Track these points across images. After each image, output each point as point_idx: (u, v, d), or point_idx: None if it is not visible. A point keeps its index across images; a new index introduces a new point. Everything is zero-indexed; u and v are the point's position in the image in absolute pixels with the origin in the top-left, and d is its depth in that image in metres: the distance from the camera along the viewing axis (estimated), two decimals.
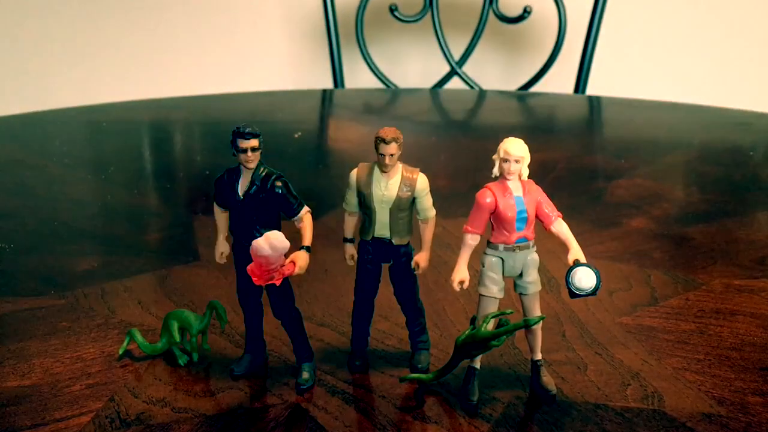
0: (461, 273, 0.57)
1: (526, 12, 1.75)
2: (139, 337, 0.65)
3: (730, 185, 1.10)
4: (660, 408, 0.58)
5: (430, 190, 0.60)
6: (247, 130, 0.57)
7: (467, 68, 1.83)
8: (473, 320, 0.59)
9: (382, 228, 0.60)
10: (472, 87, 1.80)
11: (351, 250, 0.63)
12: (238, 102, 1.55)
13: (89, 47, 1.90)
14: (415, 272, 0.61)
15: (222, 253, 0.63)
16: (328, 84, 1.86)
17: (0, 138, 1.33)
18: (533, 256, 0.58)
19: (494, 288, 0.57)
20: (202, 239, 0.92)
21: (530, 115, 1.63)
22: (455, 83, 1.82)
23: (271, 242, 0.54)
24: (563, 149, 1.26)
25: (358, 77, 1.94)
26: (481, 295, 0.58)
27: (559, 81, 1.79)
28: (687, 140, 1.35)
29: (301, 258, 0.56)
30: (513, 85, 1.89)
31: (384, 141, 0.57)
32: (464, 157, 1.23)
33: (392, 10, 1.79)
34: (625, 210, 1.00)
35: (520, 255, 0.57)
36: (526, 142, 0.56)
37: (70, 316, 0.73)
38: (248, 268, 0.56)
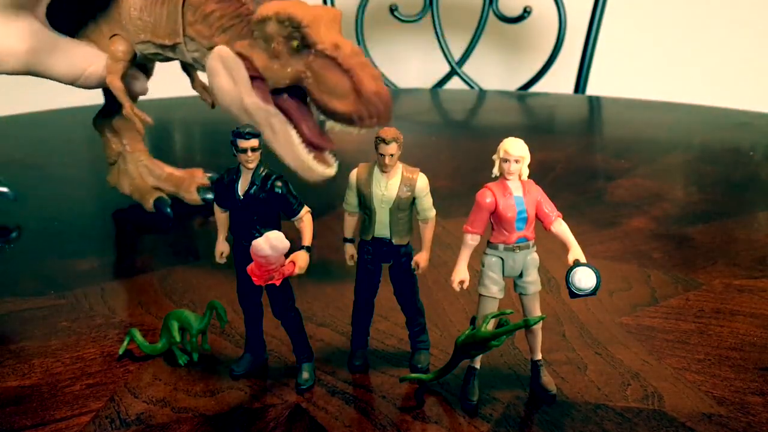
0: (461, 273, 0.57)
1: (526, 12, 1.75)
2: (139, 337, 0.65)
3: (730, 185, 1.11)
4: (660, 408, 0.58)
5: (430, 190, 0.60)
6: (246, 130, 0.57)
7: (467, 68, 1.83)
8: (473, 320, 0.59)
9: (382, 228, 0.60)
10: (472, 87, 1.80)
11: (351, 250, 0.63)
12: None
13: None
14: (415, 272, 0.61)
15: (222, 253, 0.63)
16: None
17: (0, 138, 1.33)
18: (533, 256, 0.58)
19: (494, 288, 0.57)
20: (202, 239, 0.92)
21: (530, 115, 1.63)
22: (455, 83, 1.83)
23: (271, 242, 0.54)
24: (563, 149, 1.27)
25: None
26: (481, 295, 0.58)
27: (559, 81, 1.80)
28: (687, 140, 1.35)
29: (301, 258, 0.56)
30: (513, 85, 1.89)
31: (384, 141, 0.57)
32: (464, 157, 1.23)
33: (392, 10, 1.79)
34: (625, 210, 1.00)
35: (520, 255, 0.57)
36: (526, 142, 0.56)
37: (70, 316, 0.73)
38: (248, 268, 0.56)
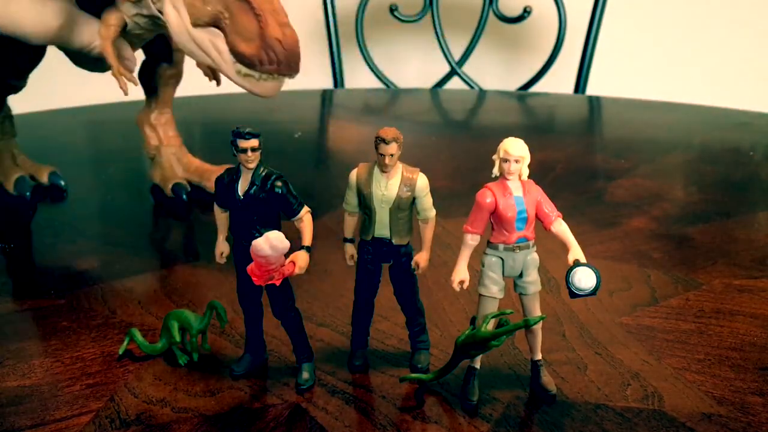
0: (461, 273, 0.57)
1: (526, 12, 1.75)
2: (139, 337, 0.65)
3: (730, 185, 1.11)
4: (660, 408, 0.58)
5: (430, 190, 0.60)
6: (246, 130, 0.57)
7: (467, 68, 1.83)
8: (473, 320, 0.59)
9: (382, 228, 0.60)
10: (472, 87, 1.80)
11: (351, 250, 0.63)
12: (238, 102, 1.55)
13: None
14: (415, 272, 0.61)
15: (222, 253, 0.63)
16: (328, 84, 1.86)
17: None
18: (533, 256, 0.58)
19: (494, 288, 0.57)
20: (202, 239, 0.92)
21: (530, 115, 1.63)
22: (455, 83, 1.83)
23: (271, 242, 0.54)
24: (563, 149, 1.27)
25: (358, 77, 1.94)
26: (481, 295, 0.58)
27: (559, 81, 1.80)
28: (687, 140, 1.35)
29: (301, 258, 0.56)
30: (513, 85, 1.89)
31: (384, 141, 0.57)
32: (464, 157, 1.23)
33: (392, 10, 1.79)
34: (625, 210, 1.00)
35: (520, 255, 0.57)
36: (526, 142, 0.56)
37: (70, 316, 0.73)
38: (248, 268, 0.56)
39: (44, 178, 1.06)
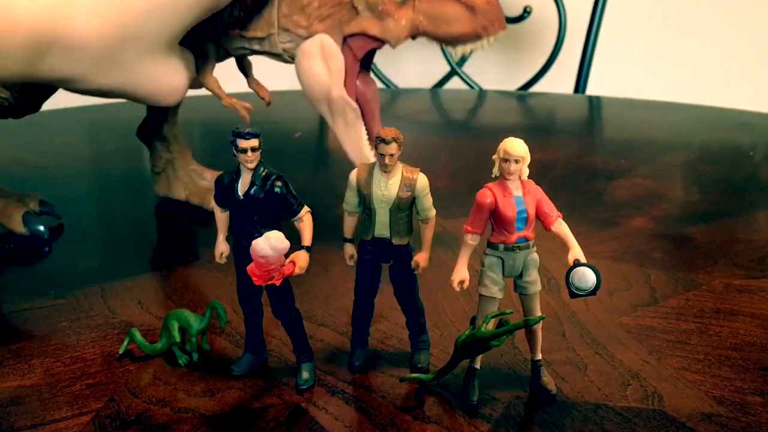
0: (461, 273, 0.57)
1: (526, 12, 1.75)
2: (139, 337, 0.65)
3: (730, 185, 1.11)
4: (660, 408, 0.58)
5: (430, 190, 0.60)
6: (246, 131, 0.57)
7: (467, 68, 1.83)
8: (473, 320, 0.59)
9: (382, 228, 0.60)
10: (472, 87, 1.80)
11: (351, 250, 0.63)
12: None
13: None
14: (415, 272, 0.61)
15: (222, 253, 0.63)
16: None
17: (0, 138, 1.33)
18: (533, 256, 0.58)
19: (494, 288, 0.57)
20: (202, 239, 0.92)
21: (530, 115, 1.63)
22: (455, 83, 1.83)
23: (271, 242, 0.54)
24: (563, 149, 1.27)
25: None
26: (481, 295, 0.58)
27: (559, 81, 1.80)
28: (687, 140, 1.35)
29: (301, 258, 0.56)
30: (513, 85, 1.89)
31: (384, 141, 0.57)
32: (464, 157, 1.23)
33: None
34: (625, 210, 1.00)
35: (520, 255, 0.57)
36: (526, 142, 0.56)
37: (70, 316, 0.73)
38: (248, 268, 0.56)
39: (34, 207, 0.93)
